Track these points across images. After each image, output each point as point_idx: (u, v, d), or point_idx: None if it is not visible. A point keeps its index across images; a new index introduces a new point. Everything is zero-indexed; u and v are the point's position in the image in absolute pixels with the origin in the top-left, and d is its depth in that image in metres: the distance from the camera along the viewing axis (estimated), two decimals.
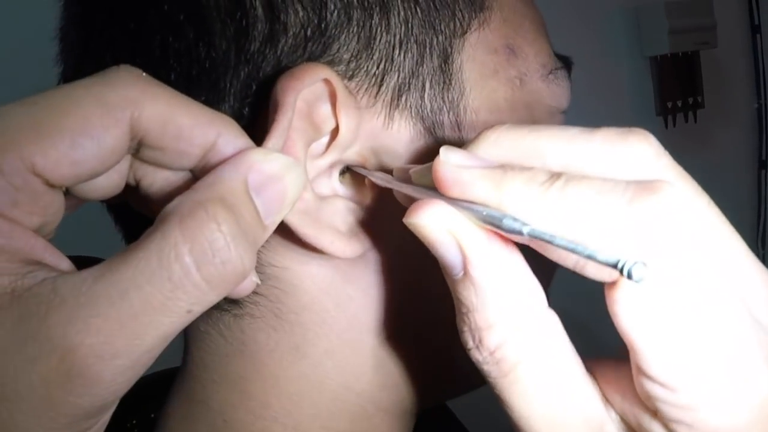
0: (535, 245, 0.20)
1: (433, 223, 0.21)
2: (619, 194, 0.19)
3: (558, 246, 0.19)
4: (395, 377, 0.31)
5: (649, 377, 0.20)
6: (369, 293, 0.29)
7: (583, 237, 0.19)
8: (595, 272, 0.20)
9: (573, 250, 0.18)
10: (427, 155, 0.27)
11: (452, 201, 0.21)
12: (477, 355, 0.21)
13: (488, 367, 0.21)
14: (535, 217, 0.20)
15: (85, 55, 0.28)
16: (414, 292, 0.29)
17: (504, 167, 0.21)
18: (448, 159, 0.21)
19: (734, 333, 0.19)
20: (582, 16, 1.25)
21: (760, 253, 1.50)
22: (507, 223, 0.19)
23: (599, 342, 0.24)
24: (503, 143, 0.22)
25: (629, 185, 0.19)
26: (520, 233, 0.19)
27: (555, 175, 0.20)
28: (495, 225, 0.20)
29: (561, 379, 0.21)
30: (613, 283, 0.19)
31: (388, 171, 0.27)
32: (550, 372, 0.21)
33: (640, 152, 0.21)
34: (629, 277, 0.17)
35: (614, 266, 0.17)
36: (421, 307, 0.30)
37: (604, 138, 0.21)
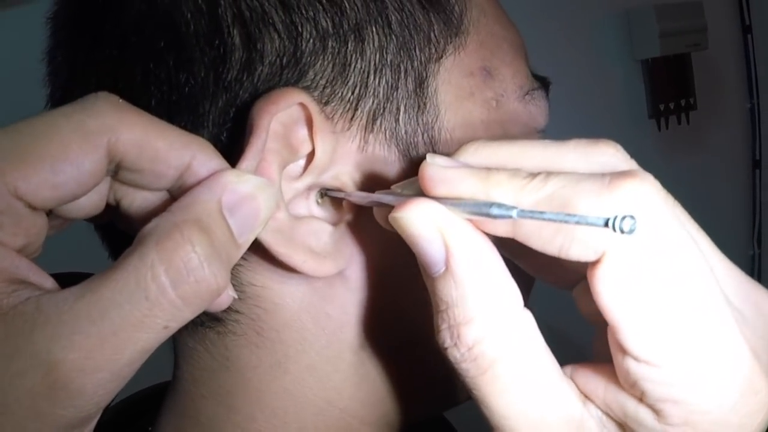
0: (520, 234, 0.21)
1: (420, 217, 0.22)
2: (598, 180, 0.20)
3: (548, 220, 0.19)
4: (378, 393, 0.31)
5: (633, 356, 0.20)
6: (347, 311, 0.29)
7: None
8: (580, 252, 0.20)
9: (563, 221, 0.19)
10: (403, 177, 0.28)
11: (439, 200, 0.22)
12: (455, 353, 0.22)
13: (466, 365, 0.21)
14: (521, 204, 0.20)
15: (71, 78, 0.29)
16: (392, 310, 0.30)
17: (488, 167, 0.22)
18: (435, 161, 0.22)
19: (712, 306, 0.20)
20: (572, 22, 1.26)
21: (756, 253, 1.51)
22: (495, 210, 0.20)
23: (581, 354, 0.25)
24: (482, 153, 0.23)
25: (605, 174, 0.20)
26: (509, 216, 0.20)
27: (535, 173, 0.21)
28: (484, 214, 0.21)
29: (539, 377, 0.21)
30: (595, 263, 0.20)
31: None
32: (527, 370, 0.21)
33: (610, 154, 0.22)
34: (621, 231, 0.18)
35: (605, 225, 0.18)
36: (400, 324, 0.30)
37: (576, 145, 0.22)
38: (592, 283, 0.20)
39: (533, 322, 0.22)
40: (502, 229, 0.22)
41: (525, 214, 0.20)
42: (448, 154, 0.23)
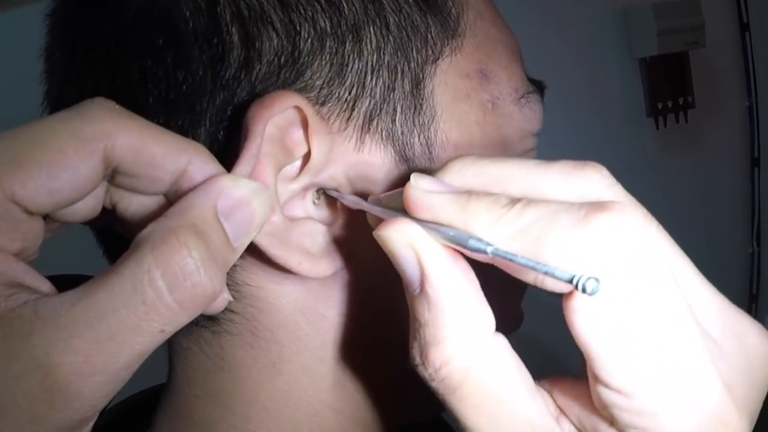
0: (498, 263, 0.22)
1: (398, 237, 0.22)
2: (574, 213, 0.20)
3: (519, 264, 0.20)
4: (373, 394, 0.31)
5: (604, 384, 0.20)
6: (342, 312, 0.29)
7: (542, 253, 0.20)
8: (553, 285, 0.21)
9: (533, 268, 0.20)
10: (398, 178, 0.28)
11: (421, 222, 0.22)
12: (423, 372, 0.22)
13: (435, 384, 0.22)
14: (496, 237, 0.21)
15: (68, 76, 0.29)
16: (386, 312, 0.30)
17: (469, 192, 0.22)
18: (418, 184, 0.22)
19: (684, 340, 0.20)
20: (570, 20, 1.26)
21: (755, 251, 1.51)
22: (472, 243, 0.21)
23: (566, 366, 0.25)
24: (467, 172, 0.23)
25: (583, 205, 0.20)
26: (484, 252, 0.21)
27: (515, 200, 0.21)
28: (461, 245, 0.21)
29: (508, 396, 0.22)
30: (569, 294, 0.20)
31: (362, 193, 0.28)
32: (497, 390, 0.22)
33: (594, 180, 0.22)
34: (584, 291, 0.18)
35: (569, 281, 0.19)
36: (394, 326, 0.30)
37: (561, 168, 0.22)
38: (566, 313, 0.20)
39: (504, 343, 0.23)
40: (480, 255, 0.22)
41: (498, 252, 0.21)
42: (430, 171, 0.24)
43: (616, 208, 0.20)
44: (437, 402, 0.34)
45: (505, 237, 0.21)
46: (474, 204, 0.21)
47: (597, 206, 0.20)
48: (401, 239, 0.22)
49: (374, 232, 0.23)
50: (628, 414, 0.20)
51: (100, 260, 0.31)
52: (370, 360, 0.31)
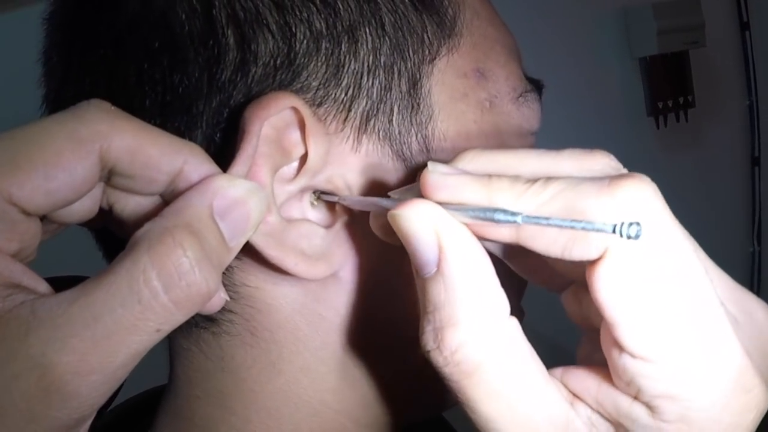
0: (523, 237, 0.22)
1: (418, 215, 0.22)
2: (597, 182, 0.21)
3: (553, 225, 0.20)
4: (372, 394, 0.31)
5: (629, 352, 0.21)
6: (340, 313, 0.29)
7: (573, 217, 0.20)
8: (582, 251, 0.21)
9: (570, 226, 0.20)
10: (397, 178, 0.28)
11: (441, 205, 0.22)
12: (437, 356, 0.22)
13: (449, 369, 0.22)
14: (523, 208, 0.21)
15: (65, 79, 0.29)
16: (385, 313, 0.30)
17: (488, 174, 0.22)
18: (436, 169, 0.22)
19: (708, 304, 0.20)
20: (570, 20, 1.26)
21: (756, 250, 1.51)
22: (499, 215, 0.21)
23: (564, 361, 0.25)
24: (480, 160, 0.23)
25: (604, 177, 0.21)
26: (513, 222, 0.20)
27: (534, 179, 0.21)
28: (488, 219, 0.21)
29: (523, 381, 0.22)
30: (595, 261, 0.21)
31: (359, 194, 0.28)
32: (512, 375, 0.22)
33: (604, 163, 0.22)
34: (629, 237, 0.19)
35: (613, 231, 0.19)
36: (393, 327, 0.30)
37: (571, 153, 0.23)
38: (592, 279, 0.21)
39: (519, 328, 0.23)
40: (505, 233, 0.22)
41: (530, 219, 0.20)
42: (445, 160, 0.24)
43: (637, 176, 0.21)
44: (437, 401, 0.34)
45: (533, 208, 0.21)
46: (496, 182, 0.22)
47: (619, 176, 0.21)
48: (420, 217, 0.22)
49: (390, 212, 0.23)
50: (654, 382, 0.20)
51: (96, 262, 0.30)
52: (370, 360, 0.31)
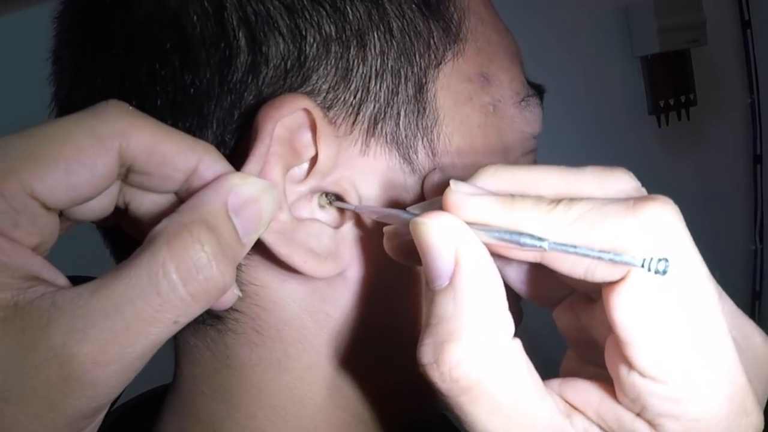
0: (547, 259, 0.22)
1: (441, 227, 0.22)
2: (622, 204, 0.21)
3: (580, 254, 0.21)
4: (377, 391, 0.32)
5: (639, 370, 0.21)
6: (347, 312, 0.30)
7: (597, 241, 0.21)
8: (604, 275, 0.21)
9: (597, 257, 0.20)
10: (402, 181, 0.29)
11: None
12: (433, 371, 0.22)
13: (446, 385, 0.22)
14: (548, 232, 0.21)
15: (76, 78, 0.30)
16: (391, 312, 0.30)
17: (511, 194, 0.23)
18: (459, 188, 0.23)
19: (720, 333, 0.21)
20: (571, 19, 1.26)
21: (758, 249, 1.51)
22: (526, 239, 0.21)
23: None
24: (501, 177, 0.23)
25: (629, 198, 0.21)
26: (540, 248, 0.21)
27: (557, 199, 0.22)
28: (514, 242, 0.21)
29: (521, 397, 0.22)
30: (614, 283, 0.21)
31: (367, 198, 0.28)
32: (510, 391, 0.22)
33: (625, 181, 0.23)
34: (656, 272, 0.19)
35: (641, 265, 0.20)
36: (399, 326, 0.31)
37: (593, 171, 0.23)
38: (611, 298, 0.21)
39: (521, 349, 0.23)
40: (529, 255, 0.22)
41: (556, 246, 0.21)
42: (463, 177, 0.24)
43: (661, 199, 0.21)
44: (440, 401, 0.34)
45: (558, 231, 0.21)
46: (520, 203, 0.22)
47: (644, 198, 0.21)
48: (443, 229, 0.22)
49: (415, 220, 0.23)
50: (661, 401, 0.21)
51: (96, 262, 0.30)
52: (376, 358, 0.31)
